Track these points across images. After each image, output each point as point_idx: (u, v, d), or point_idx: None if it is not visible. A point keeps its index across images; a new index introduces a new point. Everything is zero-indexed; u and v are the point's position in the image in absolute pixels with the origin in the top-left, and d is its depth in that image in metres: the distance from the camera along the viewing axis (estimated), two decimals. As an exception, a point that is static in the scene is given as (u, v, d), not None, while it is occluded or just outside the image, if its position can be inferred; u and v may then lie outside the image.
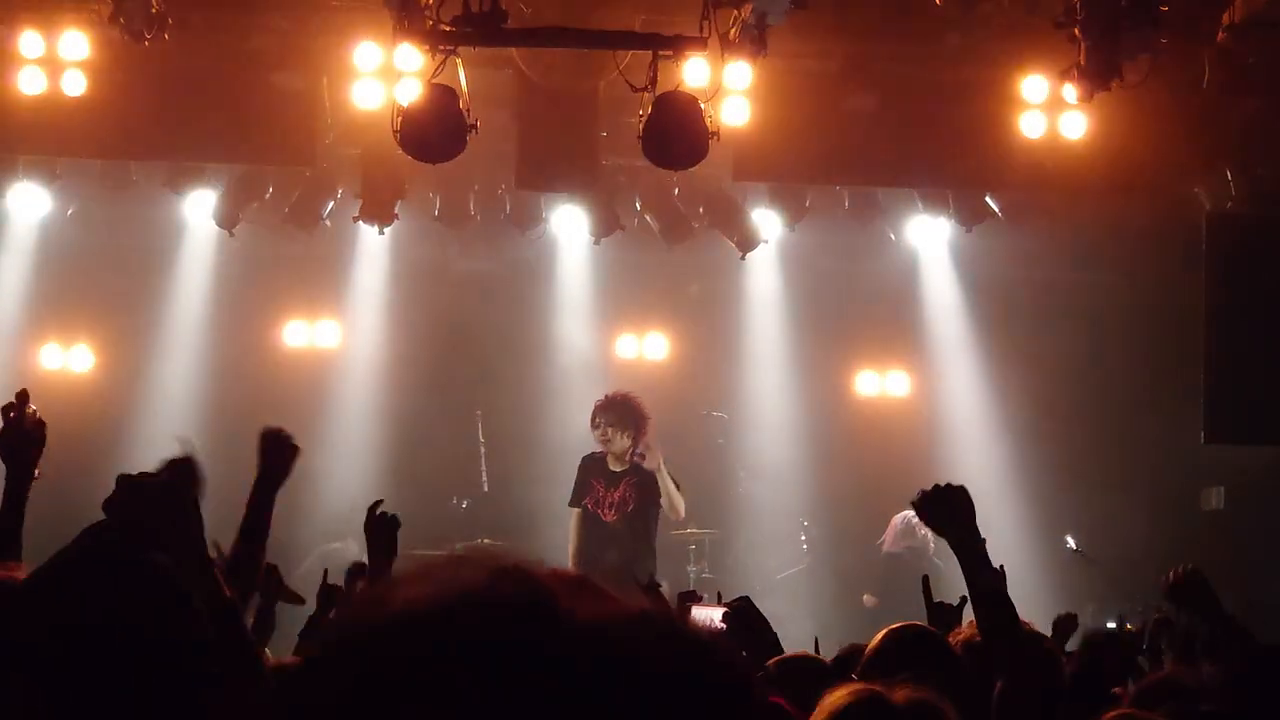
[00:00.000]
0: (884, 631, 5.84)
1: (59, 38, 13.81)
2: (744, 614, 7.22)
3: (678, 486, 14.51)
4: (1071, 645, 7.70)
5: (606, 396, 14.66)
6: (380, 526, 7.06)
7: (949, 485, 5.98)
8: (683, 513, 14.52)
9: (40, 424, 6.22)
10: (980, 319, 18.19)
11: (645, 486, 14.29)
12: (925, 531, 16.66)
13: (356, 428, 17.77)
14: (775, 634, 7.22)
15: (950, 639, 6.14)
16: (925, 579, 7.36)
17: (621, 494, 14.29)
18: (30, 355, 17.52)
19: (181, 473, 5.57)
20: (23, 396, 6.28)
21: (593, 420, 14.53)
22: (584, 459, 14.69)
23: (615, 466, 14.36)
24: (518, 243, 17.55)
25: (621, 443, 14.34)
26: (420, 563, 1.65)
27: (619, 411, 14.42)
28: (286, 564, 7.29)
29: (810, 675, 5.75)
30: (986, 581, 5.66)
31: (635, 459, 14.39)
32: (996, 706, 5.34)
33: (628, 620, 1.58)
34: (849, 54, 14.78)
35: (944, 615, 6.98)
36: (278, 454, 6.35)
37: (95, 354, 17.79)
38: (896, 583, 15.87)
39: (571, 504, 14.61)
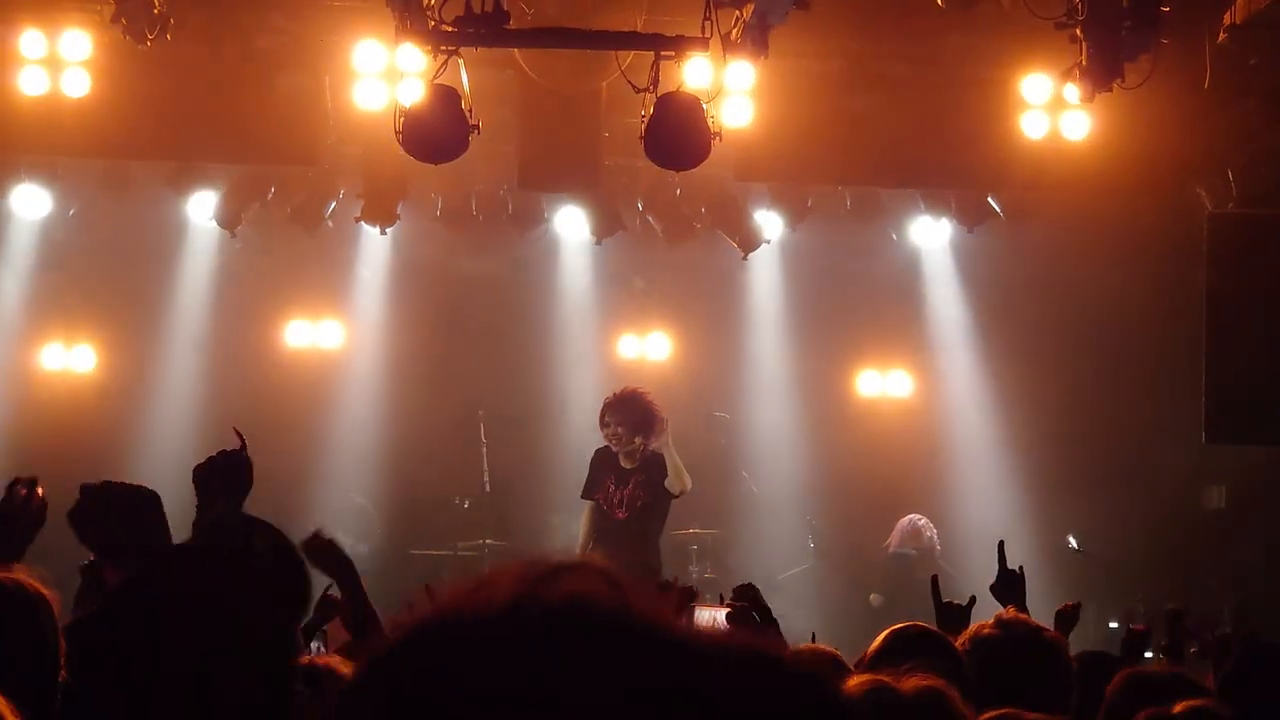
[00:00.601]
0: (887, 630, 5.85)
1: (60, 38, 13.82)
2: (750, 600, 7.30)
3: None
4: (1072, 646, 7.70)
5: (616, 394, 14.46)
6: (320, 554, 6.40)
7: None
8: (688, 485, 14.29)
9: (43, 506, 6.11)
10: (982, 319, 18.20)
11: (654, 484, 14.20)
12: (932, 534, 16.70)
13: (358, 428, 17.77)
14: (777, 623, 7.27)
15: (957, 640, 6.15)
16: (934, 579, 7.39)
17: (631, 491, 14.22)
18: (32, 355, 17.54)
19: (226, 467, 5.60)
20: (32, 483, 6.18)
21: (601, 419, 14.37)
22: (597, 451, 14.54)
23: (626, 464, 14.28)
24: (519, 243, 17.56)
25: (630, 444, 14.22)
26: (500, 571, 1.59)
27: (628, 411, 14.26)
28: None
29: (824, 668, 5.75)
30: None
31: (647, 453, 14.24)
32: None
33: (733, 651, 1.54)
34: (851, 54, 14.79)
35: (952, 615, 6.99)
36: (330, 560, 6.21)
37: (97, 354, 17.79)
38: (903, 583, 15.89)
39: (584, 495, 14.51)
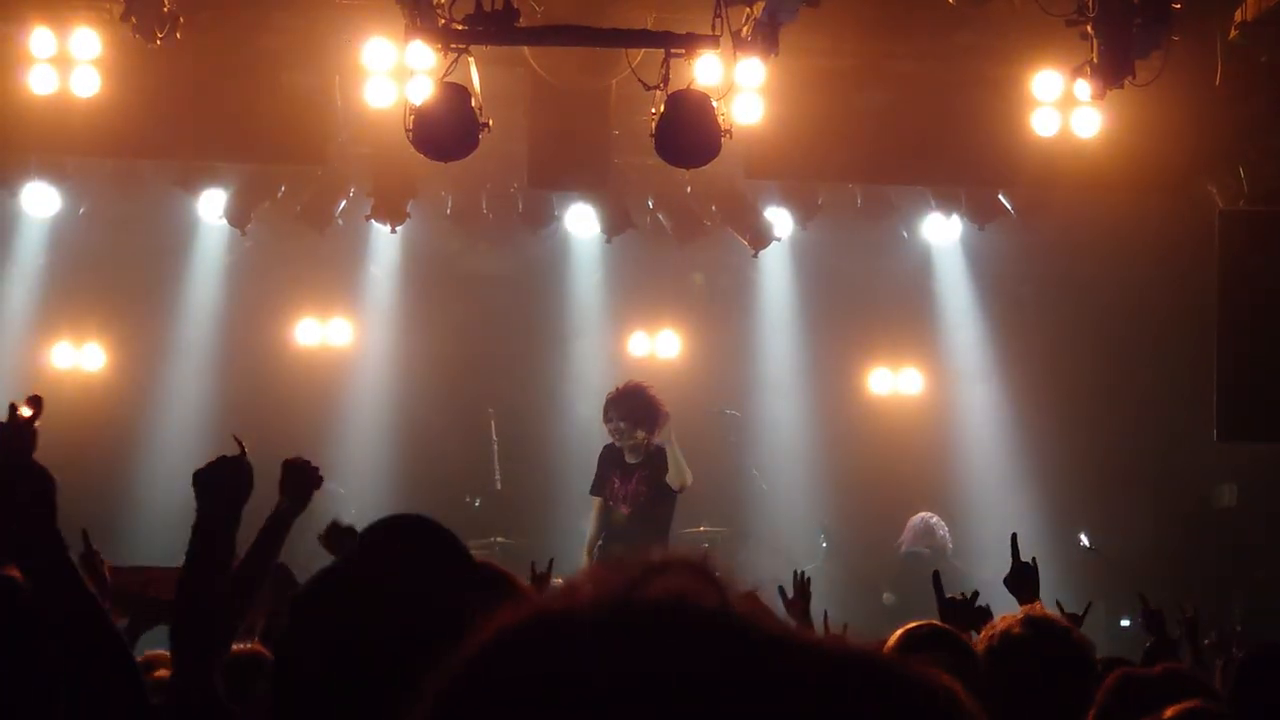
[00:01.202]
0: (900, 630, 5.83)
1: (70, 36, 13.81)
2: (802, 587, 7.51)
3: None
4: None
5: (618, 389, 14.38)
6: (297, 477, 6.41)
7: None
8: (688, 480, 14.19)
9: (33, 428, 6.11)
10: (993, 316, 18.18)
11: (657, 479, 14.16)
12: (944, 532, 16.67)
13: (368, 427, 17.77)
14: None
15: (971, 637, 6.12)
16: (936, 575, 7.37)
17: (634, 487, 14.18)
18: (42, 354, 17.54)
19: (222, 474, 5.57)
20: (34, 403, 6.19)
21: (605, 414, 14.30)
22: (604, 448, 14.52)
23: (630, 459, 14.23)
24: (530, 241, 17.55)
25: (633, 439, 14.17)
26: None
27: (630, 405, 14.21)
28: (293, 565, 7.24)
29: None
30: None
31: (651, 448, 14.18)
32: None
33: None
34: (861, 52, 14.77)
35: (956, 610, 6.98)
36: (301, 486, 6.21)
37: (107, 353, 17.79)
38: (916, 582, 15.86)
39: (592, 492, 14.46)
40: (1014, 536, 7.23)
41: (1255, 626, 15.16)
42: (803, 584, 8.00)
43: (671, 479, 14.04)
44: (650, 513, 14.11)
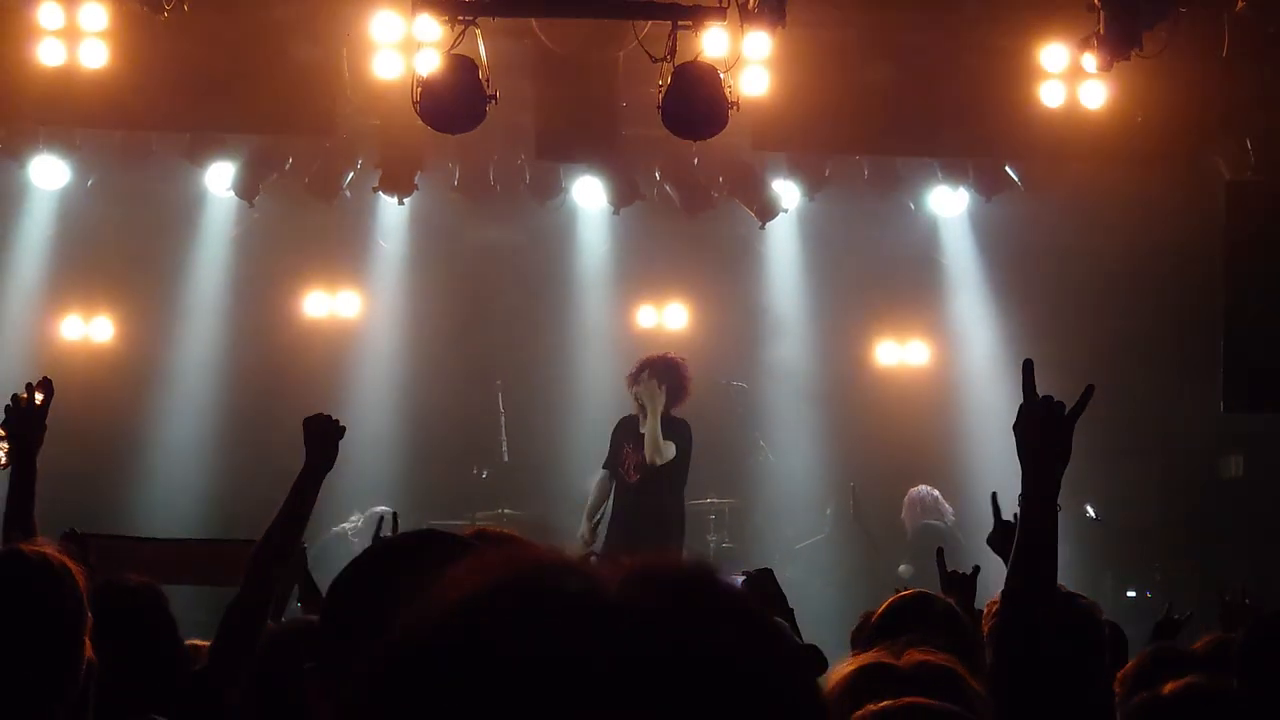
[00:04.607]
0: (888, 600, 5.87)
1: (78, 9, 13.82)
2: (761, 584, 7.22)
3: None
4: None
5: (660, 355, 14.35)
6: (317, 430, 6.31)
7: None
8: (665, 457, 14.04)
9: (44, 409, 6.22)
10: (999, 288, 18.19)
11: (672, 445, 14.10)
12: (947, 507, 16.69)
13: (376, 398, 17.79)
14: (790, 608, 7.22)
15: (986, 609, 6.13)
16: (939, 552, 7.38)
17: (634, 456, 14.15)
18: (51, 326, 17.59)
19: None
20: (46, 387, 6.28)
21: (637, 373, 14.15)
22: (620, 421, 14.42)
23: (644, 428, 14.15)
24: (537, 213, 17.56)
25: (656, 400, 13.99)
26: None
27: (665, 370, 14.09)
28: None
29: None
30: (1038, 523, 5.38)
31: (665, 417, 14.09)
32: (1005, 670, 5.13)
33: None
34: (868, 23, 14.76)
35: (958, 583, 6.99)
36: (325, 440, 6.21)
37: (116, 325, 17.83)
38: (931, 554, 15.88)
39: (605, 466, 14.42)
40: (994, 496, 6.95)
41: (1262, 599, 15.18)
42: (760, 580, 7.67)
43: (648, 453, 13.93)
44: (659, 482, 14.06)
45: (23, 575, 4.02)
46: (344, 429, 6.23)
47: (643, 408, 14.08)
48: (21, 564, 4.04)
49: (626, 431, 14.29)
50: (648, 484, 14.00)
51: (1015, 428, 5.68)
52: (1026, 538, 5.16)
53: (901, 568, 16.26)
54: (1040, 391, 5.31)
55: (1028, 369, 5.74)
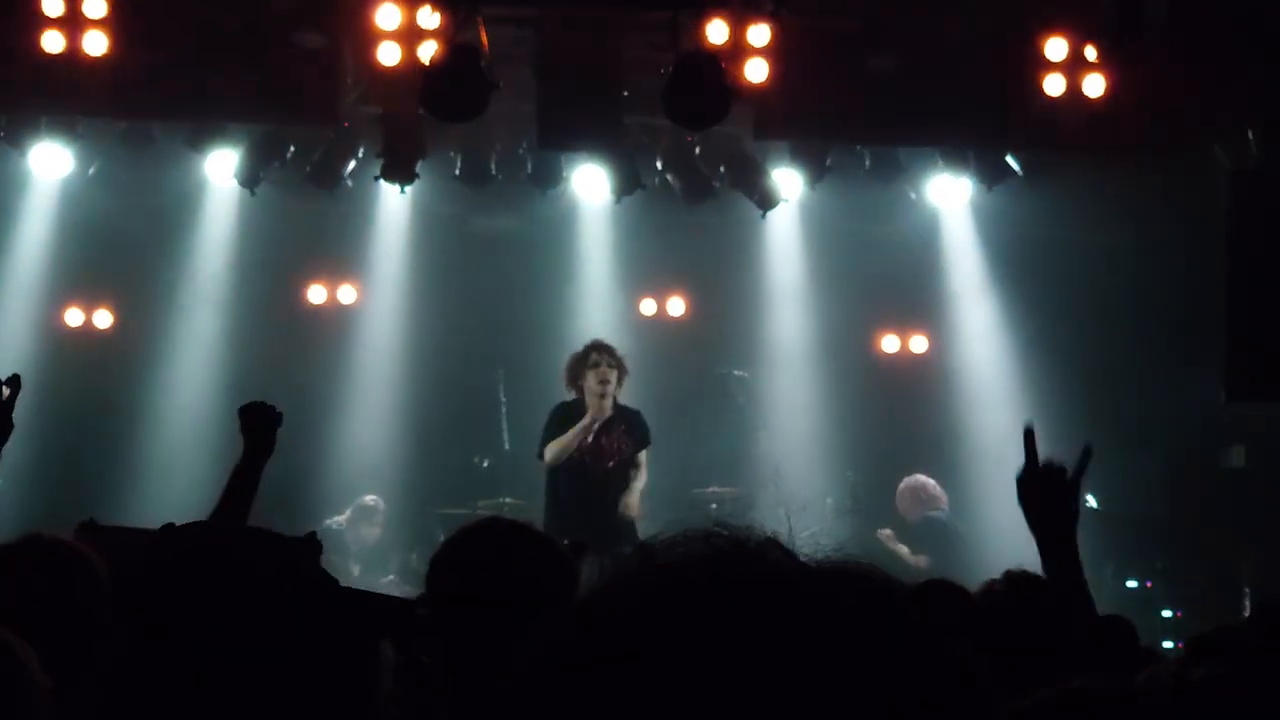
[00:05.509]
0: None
1: (80, -3, 13.83)
2: None
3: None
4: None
5: (599, 341, 14.29)
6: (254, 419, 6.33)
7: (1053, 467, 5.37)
8: (553, 460, 14.05)
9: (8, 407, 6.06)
10: (1001, 278, 18.18)
11: (634, 435, 14.06)
12: (944, 496, 16.67)
13: (377, 387, 17.80)
14: None
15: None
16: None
17: (618, 443, 14.07)
18: (53, 315, 17.59)
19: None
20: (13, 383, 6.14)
21: (596, 358, 14.01)
22: (558, 406, 14.23)
23: (592, 415, 13.98)
24: (539, 202, 17.55)
25: (614, 389, 13.95)
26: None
27: (620, 362, 14.08)
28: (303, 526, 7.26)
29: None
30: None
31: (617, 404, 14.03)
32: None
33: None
34: (869, 13, 14.76)
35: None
36: (262, 428, 6.16)
37: (116, 313, 17.83)
38: (939, 545, 15.90)
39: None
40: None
41: (1265, 590, 15.21)
42: None
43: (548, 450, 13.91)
44: (628, 469, 14.04)
45: (42, 560, 4.03)
46: (281, 415, 6.18)
47: (605, 384, 13.88)
48: (40, 549, 4.05)
49: (572, 418, 14.09)
50: (621, 472, 13.96)
51: (1019, 499, 5.39)
52: (1061, 602, 5.07)
53: (915, 559, 16.05)
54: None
55: (1029, 436, 5.46)
